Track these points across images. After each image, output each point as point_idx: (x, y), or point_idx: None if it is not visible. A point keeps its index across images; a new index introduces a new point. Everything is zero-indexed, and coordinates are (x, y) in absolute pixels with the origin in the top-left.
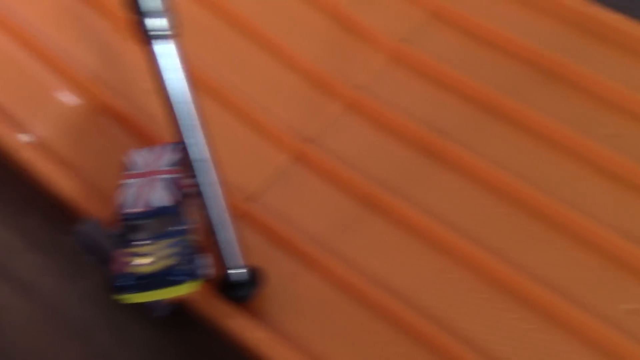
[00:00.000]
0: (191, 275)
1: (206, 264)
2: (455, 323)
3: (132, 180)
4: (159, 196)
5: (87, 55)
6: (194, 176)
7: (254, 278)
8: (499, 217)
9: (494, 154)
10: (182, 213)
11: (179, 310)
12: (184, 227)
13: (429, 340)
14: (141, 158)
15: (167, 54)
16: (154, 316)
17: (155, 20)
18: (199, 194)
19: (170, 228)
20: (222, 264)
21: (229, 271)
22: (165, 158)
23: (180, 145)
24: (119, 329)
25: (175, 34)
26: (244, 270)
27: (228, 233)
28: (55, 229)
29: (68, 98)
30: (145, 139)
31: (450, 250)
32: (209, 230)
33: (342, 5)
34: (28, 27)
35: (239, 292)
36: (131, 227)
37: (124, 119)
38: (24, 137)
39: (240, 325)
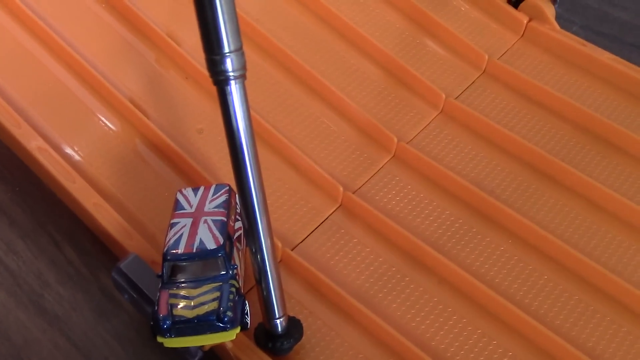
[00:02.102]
0: (232, 323)
1: (247, 312)
2: None
3: (179, 220)
4: (205, 238)
5: (136, 88)
6: (244, 220)
7: (293, 330)
8: (546, 284)
9: (542, 217)
10: (226, 257)
11: (211, 357)
12: (228, 272)
13: None
14: (189, 198)
15: (240, 94)
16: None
17: (232, 60)
18: (246, 238)
19: (213, 272)
20: (262, 313)
21: (270, 321)
22: (213, 200)
23: (236, 188)
24: None
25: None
26: (285, 322)
27: (272, 282)
28: (89, 264)
29: (114, 129)
30: (188, 179)
31: (494, 315)
32: (254, 277)
33: (396, 58)
34: (76, 54)
35: (279, 344)
36: (174, 268)
37: (168, 155)
38: (69, 168)
39: None
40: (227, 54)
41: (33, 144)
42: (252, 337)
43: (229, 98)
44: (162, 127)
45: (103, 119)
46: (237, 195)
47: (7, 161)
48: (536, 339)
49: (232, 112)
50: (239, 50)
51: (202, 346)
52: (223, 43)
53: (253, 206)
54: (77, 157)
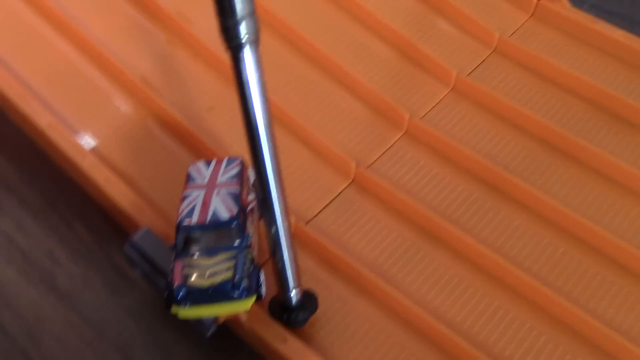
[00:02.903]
0: (249, 292)
1: (263, 282)
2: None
3: (192, 192)
4: (219, 209)
5: (147, 68)
6: (259, 190)
7: (308, 302)
8: (562, 257)
9: (557, 191)
10: (241, 228)
11: (224, 332)
12: (242, 242)
13: None
14: (202, 170)
15: (254, 60)
16: (201, 335)
17: (246, 24)
18: (261, 210)
19: (228, 242)
20: (278, 284)
21: (285, 293)
22: (225, 172)
23: (250, 156)
24: (161, 348)
25: (258, 39)
26: (299, 294)
27: (287, 251)
28: (101, 242)
29: (125, 108)
30: (199, 155)
31: (510, 287)
32: (269, 249)
33: (407, 37)
34: (89, 35)
35: (294, 315)
36: (188, 239)
37: (180, 133)
38: (80, 144)
39: (293, 350)
40: (240, 18)
41: (43, 121)
42: (267, 310)
43: (243, 64)
44: (172, 105)
45: (114, 98)
46: (251, 164)
47: (16, 142)
48: (554, 310)
49: (245, 79)
50: (252, 15)
51: (216, 319)
52: (236, 7)
53: (267, 174)
54: (87, 135)
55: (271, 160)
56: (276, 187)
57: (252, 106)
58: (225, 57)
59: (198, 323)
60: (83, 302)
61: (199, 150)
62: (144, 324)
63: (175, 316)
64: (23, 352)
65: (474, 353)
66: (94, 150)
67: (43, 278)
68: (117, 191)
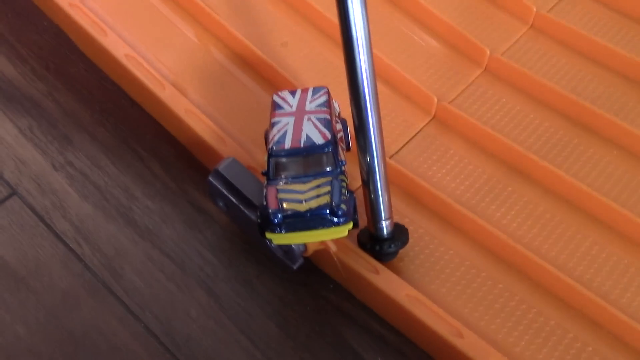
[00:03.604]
0: (346, 217)
1: (356, 209)
2: (611, 296)
3: (281, 119)
4: (311, 134)
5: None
6: (355, 115)
7: (399, 234)
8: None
9: None
10: (334, 153)
11: (309, 267)
12: (337, 168)
13: (582, 310)
14: (288, 98)
15: None
16: (285, 269)
17: None
18: (356, 136)
19: (321, 168)
20: (368, 215)
21: (377, 224)
22: (313, 100)
23: (347, 79)
24: (244, 283)
25: None
26: (391, 226)
27: (381, 180)
28: (177, 178)
29: (198, 44)
30: (275, 89)
31: (604, 223)
32: (361, 178)
33: None
34: None
35: (386, 246)
36: (279, 165)
37: (255, 66)
38: (156, 74)
39: (386, 281)
40: None
41: (121, 52)
42: (356, 242)
43: None
44: (247, 39)
45: (187, 32)
46: (348, 87)
47: (84, 81)
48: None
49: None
50: None
51: (305, 250)
52: None
53: (365, 98)
54: (163, 69)
55: (369, 83)
56: (373, 112)
57: (352, 24)
58: None
59: (286, 254)
60: (162, 237)
61: (276, 84)
62: (225, 259)
63: (257, 250)
64: (105, 285)
65: (575, 287)
66: (171, 83)
67: (120, 213)
68: (198, 122)
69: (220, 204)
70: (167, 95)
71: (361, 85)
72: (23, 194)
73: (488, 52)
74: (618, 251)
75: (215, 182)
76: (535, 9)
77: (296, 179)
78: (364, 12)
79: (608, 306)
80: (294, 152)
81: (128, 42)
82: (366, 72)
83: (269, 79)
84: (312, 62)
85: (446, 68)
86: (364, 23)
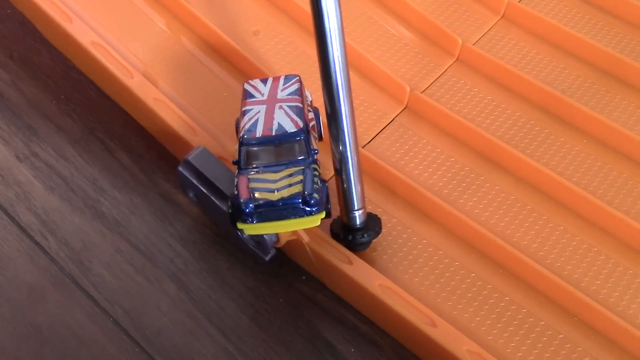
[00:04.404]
0: (318, 207)
1: (329, 198)
2: (582, 284)
3: (253, 107)
4: (283, 122)
5: None
6: (327, 104)
7: (372, 223)
8: (626, 182)
9: (617, 117)
10: (306, 141)
11: (281, 258)
12: (309, 156)
13: (553, 298)
14: (259, 87)
15: None
16: (257, 261)
17: None
18: (328, 125)
19: (293, 156)
20: (341, 205)
21: (349, 213)
22: (285, 88)
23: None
24: (215, 275)
25: None
26: (364, 215)
27: (353, 170)
28: (146, 169)
29: (167, 32)
30: (247, 79)
31: (574, 211)
32: (334, 167)
33: None
34: None
35: (359, 236)
36: (249, 154)
37: (226, 55)
38: (124, 61)
39: (359, 272)
40: None
41: (87, 39)
42: (329, 232)
43: None
44: (218, 28)
45: (157, 20)
46: (320, 75)
47: (49, 70)
48: (620, 234)
49: None
50: None
51: (277, 241)
52: None
53: (337, 86)
54: (132, 57)
55: (342, 71)
56: (346, 101)
57: (325, 9)
58: None
59: (257, 245)
60: (131, 229)
61: (247, 73)
62: (196, 251)
63: (228, 242)
64: (73, 279)
65: (548, 276)
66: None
67: (88, 205)
68: (167, 111)
69: (191, 194)
70: (136, 83)
71: (333, 74)
72: None
73: (460, 41)
74: (589, 239)
75: (185, 172)
76: (507, 1)
77: (268, 167)
78: (336, 1)
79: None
80: (265, 141)
81: (95, 29)
82: (338, 60)
83: (240, 68)
84: (284, 51)
85: (418, 58)
86: (336, 11)
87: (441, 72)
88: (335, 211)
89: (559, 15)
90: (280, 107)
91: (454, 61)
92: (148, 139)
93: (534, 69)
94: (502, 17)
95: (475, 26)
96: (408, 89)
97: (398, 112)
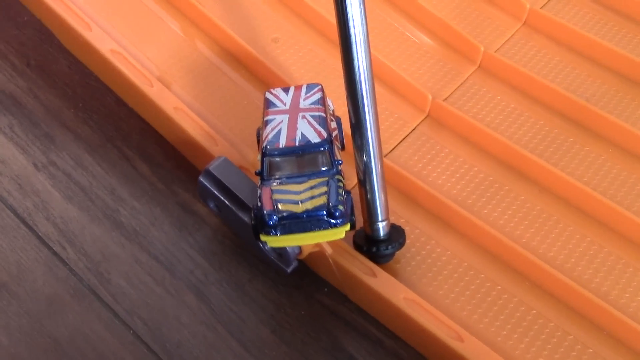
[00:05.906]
0: (343, 219)
1: (353, 209)
2: (610, 296)
3: (275, 117)
4: (307, 132)
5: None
6: (351, 114)
7: (396, 235)
8: None
9: None
10: (330, 152)
11: (302, 269)
12: (333, 167)
13: (580, 311)
14: (281, 96)
15: None
16: (278, 272)
17: None
18: (352, 136)
19: (316, 168)
20: (364, 216)
21: (372, 225)
22: (307, 97)
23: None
24: (236, 287)
25: None
26: (387, 226)
27: (377, 181)
28: (165, 179)
29: (187, 40)
30: (267, 87)
31: (601, 222)
32: (357, 178)
33: None
34: None
35: (383, 248)
36: (273, 165)
37: (246, 63)
38: (143, 69)
39: (384, 284)
40: None
41: (107, 47)
42: (352, 244)
43: None
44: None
45: (174, 26)
46: (345, 85)
47: (67, 78)
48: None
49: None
50: None
51: (299, 253)
52: None
53: (362, 95)
54: (150, 64)
55: (367, 81)
56: (371, 111)
57: (351, 18)
58: None
59: (279, 257)
60: (150, 239)
61: (267, 81)
62: (216, 262)
63: (248, 253)
64: (91, 290)
65: (574, 287)
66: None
67: (106, 215)
68: (187, 120)
69: (211, 205)
70: (155, 92)
71: (358, 83)
72: (3, 195)
73: (482, 49)
74: (616, 250)
75: (206, 182)
76: (528, 6)
77: (291, 179)
78: (362, 9)
79: (607, 306)
80: (288, 151)
81: (113, 37)
82: (364, 69)
83: (259, 76)
84: (304, 59)
85: (440, 65)
86: (362, 19)
87: (463, 80)
88: (359, 222)
89: (581, 21)
90: (304, 117)
91: (476, 69)
92: (166, 147)
93: (557, 77)
94: (524, 24)
95: (497, 33)
96: (430, 97)
97: (420, 121)
